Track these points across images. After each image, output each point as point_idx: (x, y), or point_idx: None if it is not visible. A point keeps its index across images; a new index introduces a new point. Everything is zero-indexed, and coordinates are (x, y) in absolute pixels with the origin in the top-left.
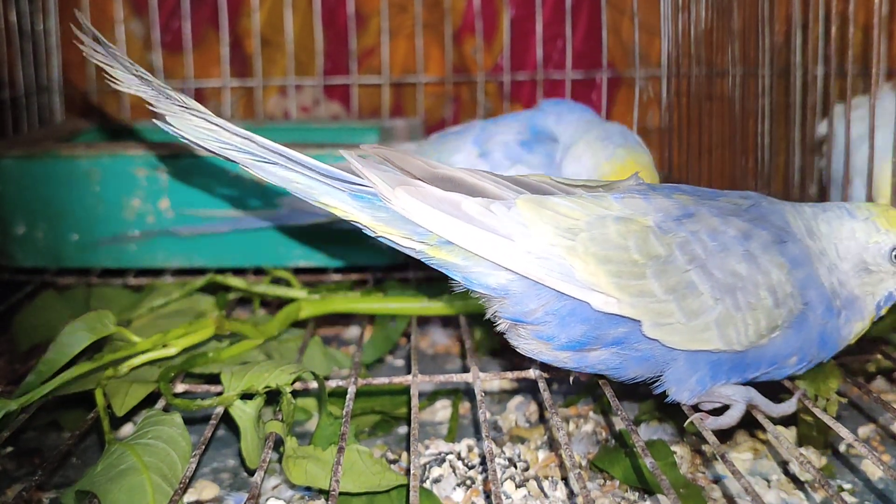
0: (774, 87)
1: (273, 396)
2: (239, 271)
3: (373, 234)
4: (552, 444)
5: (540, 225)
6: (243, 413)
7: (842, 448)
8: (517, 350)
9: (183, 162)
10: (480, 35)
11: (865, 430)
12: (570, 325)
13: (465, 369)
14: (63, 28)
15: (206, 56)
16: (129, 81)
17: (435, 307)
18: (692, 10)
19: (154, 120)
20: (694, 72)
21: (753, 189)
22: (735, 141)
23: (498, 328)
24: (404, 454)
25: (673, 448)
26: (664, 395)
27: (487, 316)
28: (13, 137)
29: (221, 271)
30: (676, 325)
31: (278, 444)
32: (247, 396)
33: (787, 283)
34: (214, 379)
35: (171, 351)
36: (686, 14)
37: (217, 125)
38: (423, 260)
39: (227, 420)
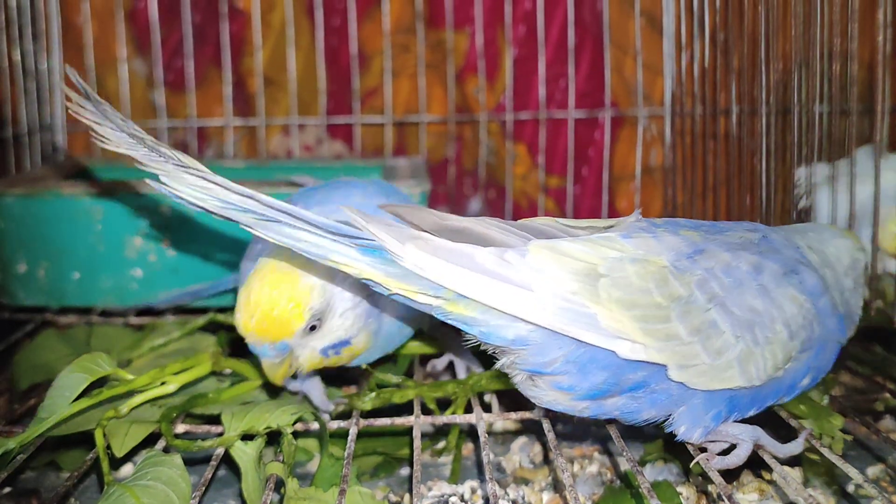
0: (776, 126)
1: (274, 437)
2: None
3: (387, 292)
4: (556, 486)
5: (558, 272)
6: (244, 454)
7: (850, 489)
8: (533, 402)
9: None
10: (483, 75)
11: (874, 470)
12: (591, 372)
13: (469, 409)
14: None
15: (209, 95)
16: (118, 140)
17: (435, 345)
18: (695, 48)
19: (147, 181)
20: (697, 110)
21: None
22: (739, 179)
23: (514, 380)
24: (407, 496)
25: (679, 489)
26: (671, 433)
27: (498, 367)
28: (15, 175)
29: (223, 310)
30: (701, 367)
31: (279, 485)
32: (248, 437)
33: (800, 316)
34: (215, 420)
35: (170, 388)
36: (689, 53)
37: (216, 184)
38: (439, 316)
39: (228, 461)
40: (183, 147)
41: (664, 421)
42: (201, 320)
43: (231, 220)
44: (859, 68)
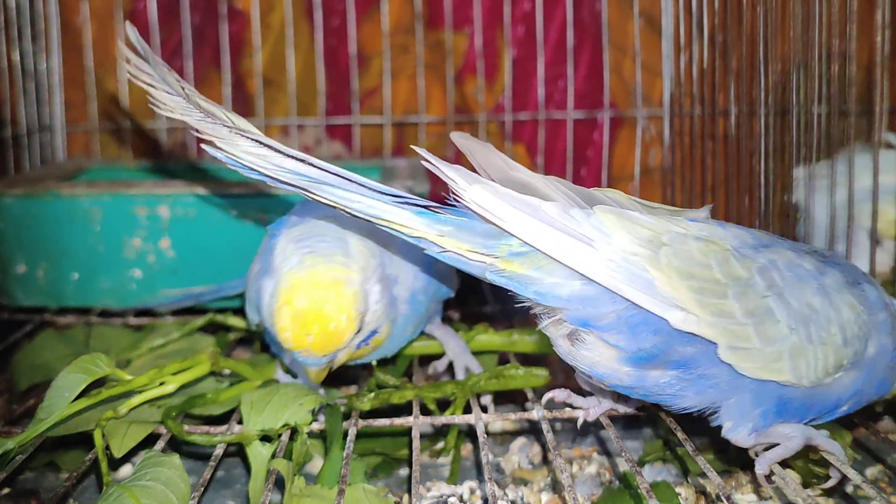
0: (775, 127)
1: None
2: (240, 311)
3: (439, 251)
4: (555, 486)
5: (621, 233)
6: (259, 454)
7: (849, 490)
8: (572, 363)
9: (184, 201)
10: (482, 75)
11: (873, 471)
12: (642, 334)
13: (467, 410)
14: (66, 67)
15: (208, 96)
16: (173, 104)
17: (434, 345)
18: (693, 49)
19: (203, 146)
20: (696, 111)
21: (755, 228)
22: (737, 180)
23: (555, 342)
24: (405, 496)
25: (677, 489)
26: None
27: (542, 328)
28: (14, 176)
29: (222, 311)
30: (752, 351)
31: (280, 483)
32: (265, 438)
33: (856, 325)
34: (214, 420)
35: (169, 388)
36: (687, 53)
37: (271, 148)
38: (490, 277)
39: (226, 462)
40: (182, 147)
41: (710, 413)
42: (200, 321)
43: (286, 183)
44: (858, 69)
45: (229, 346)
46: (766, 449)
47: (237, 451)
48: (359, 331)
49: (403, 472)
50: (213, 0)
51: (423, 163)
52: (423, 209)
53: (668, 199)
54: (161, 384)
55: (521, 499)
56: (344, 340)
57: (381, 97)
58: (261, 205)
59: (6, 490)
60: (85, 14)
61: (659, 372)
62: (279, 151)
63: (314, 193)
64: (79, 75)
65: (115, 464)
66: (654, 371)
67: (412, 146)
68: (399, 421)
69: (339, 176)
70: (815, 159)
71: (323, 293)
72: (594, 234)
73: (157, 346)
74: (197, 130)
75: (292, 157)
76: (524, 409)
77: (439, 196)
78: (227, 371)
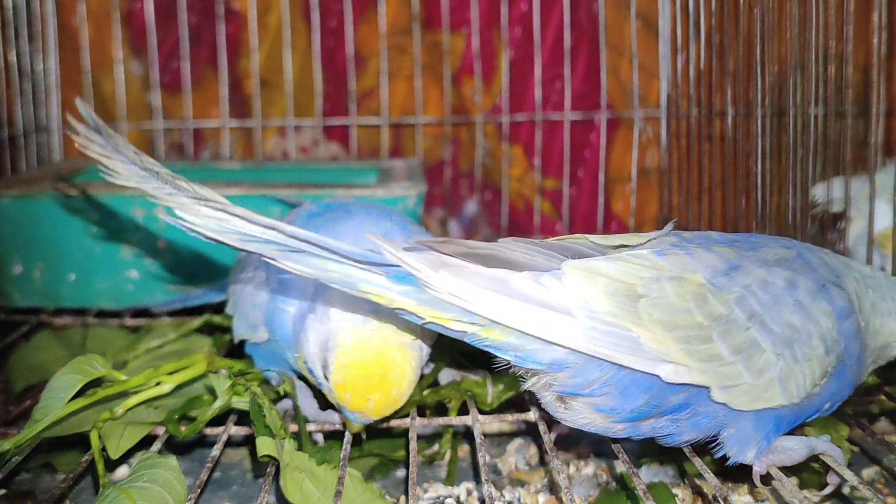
0: (772, 128)
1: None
2: None
3: (420, 322)
4: (552, 488)
5: (597, 295)
6: (244, 404)
7: (845, 491)
8: (564, 423)
9: None
10: (479, 76)
11: (869, 472)
12: (632, 394)
13: (464, 411)
14: (62, 68)
15: (205, 96)
16: (128, 174)
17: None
18: (690, 50)
19: (160, 216)
20: (693, 112)
21: (752, 230)
22: (734, 181)
23: (542, 401)
24: (402, 498)
25: (674, 490)
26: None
27: (528, 387)
28: (11, 177)
29: (218, 312)
30: (743, 387)
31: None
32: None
33: (834, 330)
34: (212, 422)
35: (165, 388)
36: (684, 55)
37: (236, 216)
38: (473, 342)
39: (223, 463)
40: (179, 148)
41: (711, 443)
42: (197, 322)
43: (252, 252)
44: (854, 71)
45: (226, 347)
46: None
47: (234, 452)
48: None
49: (400, 473)
50: (210, 1)
51: (385, 252)
52: (402, 275)
53: (666, 201)
54: (157, 384)
55: (518, 500)
56: (402, 404)
57: (378, 98)
58: (259, 205)
59: (3, 491)
60: (82, 15)
61: (653, 420)
62: (244, 219)
63: (284, 262)
64: (75, 76)
65: (111, 465)
66: (648, 421)
67: (369, 236)
68: (396, 422)
69: (310, 242)
70: (812, 161)
71: (390, 358)
72: (570, 302)
73: (153, 347)
74: (155, 197)
75: (259, 224)
76: (521, 411)
77: (437, 197)
78: (223, 371)
